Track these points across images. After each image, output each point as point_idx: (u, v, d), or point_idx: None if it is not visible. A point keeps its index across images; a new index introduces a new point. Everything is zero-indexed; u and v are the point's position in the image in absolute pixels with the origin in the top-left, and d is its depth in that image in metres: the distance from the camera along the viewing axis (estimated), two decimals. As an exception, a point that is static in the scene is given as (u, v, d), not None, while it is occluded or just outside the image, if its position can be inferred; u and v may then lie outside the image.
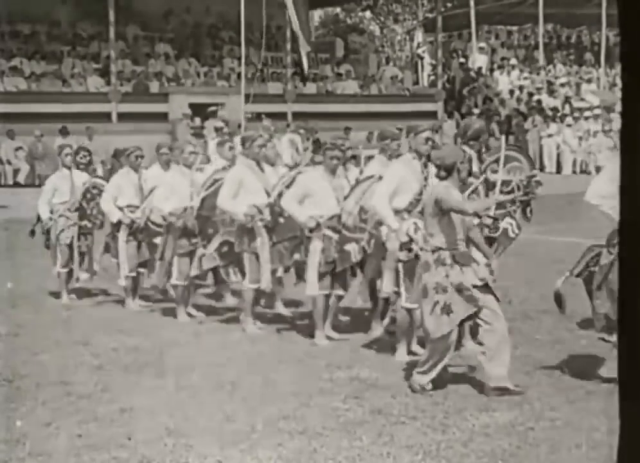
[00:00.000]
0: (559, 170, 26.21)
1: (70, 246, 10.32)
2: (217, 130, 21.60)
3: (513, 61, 30.52)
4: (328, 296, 8.19)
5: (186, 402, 6.35)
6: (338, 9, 41.24)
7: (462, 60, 30.60)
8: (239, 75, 22.72)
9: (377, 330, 8.38)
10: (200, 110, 23.11)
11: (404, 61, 33.82)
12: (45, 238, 10.52)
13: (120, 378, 7.00)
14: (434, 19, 29.28)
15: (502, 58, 30.91)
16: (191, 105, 23.52)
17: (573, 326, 8.19)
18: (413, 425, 5.79)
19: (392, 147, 8.53)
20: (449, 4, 31.78)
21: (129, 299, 9.94)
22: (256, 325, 8.65)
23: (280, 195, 8.47)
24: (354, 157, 10.68)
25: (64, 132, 21.71)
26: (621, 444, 2.27)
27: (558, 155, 26.43)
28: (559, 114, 27.12)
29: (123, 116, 22.88)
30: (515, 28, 33.59)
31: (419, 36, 34.72)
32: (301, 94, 25.57)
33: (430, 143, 7.49)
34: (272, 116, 22.47)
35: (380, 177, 7.81)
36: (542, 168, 24.67)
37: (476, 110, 26.68)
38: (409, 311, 7.40)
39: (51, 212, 10.40)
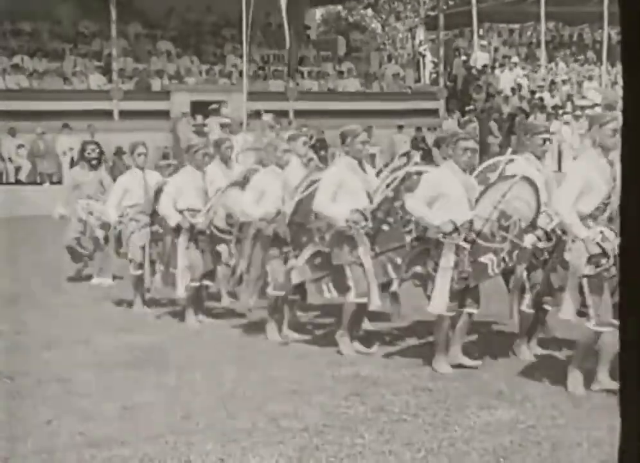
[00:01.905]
0: (560, 167, 26.21)
1: (144, 248, 9.60)
2: (223, 126, 21.65)
3: (515, 59, 30.49)
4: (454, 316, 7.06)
5: (187, 400, 6.36)
6: (340, 7, 41.21)
7: (464, 58, 30.59)
8: (241, 73, 22.72)
9: (526, 353, 7.39)
10: (202, 108, 23.11)
11: (406, 59, 33.78)
12: (116, 245, 9.94)
13: (121, 376, 7.00)
14: (436, 17, 29.24)
15: (504, 56, 30.88)
16: (193, 103, 23.54)
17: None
18: (415, 423, 5.79)
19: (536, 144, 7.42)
20: (451, 2, 31.73)
21: (189, 314, 8.98)
22: (353, 346, 7.65)
23: (387, 198, 7.54)
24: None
25: (66, 127, 21.72)
26: (622, 442, 2.27)
27: (560, 152, 26.43)
28: (561, 112, 27.12)
29: (124, 114, 22.87)
30: (516, 26, 33.56)
31: (421, 34, 34.72)
32: (303, 91, 25.57)
33: (617, 135, 6.14)
34: (273, 113, 22.50)
35: (525, 178, 6.92)
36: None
37: (472, 107, 26.68)
38: (596, 334, 6.31)
39: (121, 216, 9.73)
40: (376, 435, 5.56)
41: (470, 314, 7.10)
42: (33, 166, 21.99)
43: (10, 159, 21.89)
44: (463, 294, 6.97)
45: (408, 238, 7.41)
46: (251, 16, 20.14)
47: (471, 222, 6.86)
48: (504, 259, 6.90)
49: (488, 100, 27.63)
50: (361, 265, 7.46)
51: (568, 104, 28.08)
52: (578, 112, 27.19)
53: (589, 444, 5.31)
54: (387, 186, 7.60)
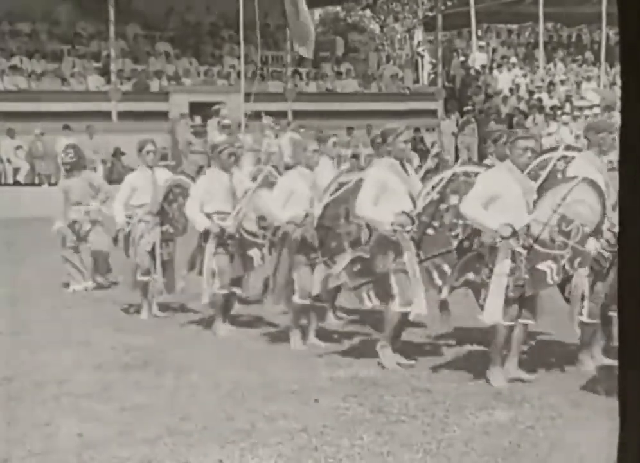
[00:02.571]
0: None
1: (151, 253, 9.19)
2: (224, 127, 21.68)
3: (513, 59, 30.52)
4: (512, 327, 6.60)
5: (185, 401, 6.36)
6: (338, 8, 41.19)
7: (462, 58, 30.60)
8: (239, 74, 22.72)
9: (588, 364, 7.01)
10: (200, 109, 23.11)
11: (404, 59, 33.75)
12: (126, 246, 9.46)
13: (120, 377, 7.00)
14: (434, 18, 29.25)
15: (502, 57, 30.91)
16: (191, 104, 23.54)
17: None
18: (413, 423, 5.79)
19: (607, 142, 7.02)
20: (449, 3, 31.74)
21: (218, 322, 8.51)
22: (395, 358, 7.20)
23: (432, 201, 7.08)
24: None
25: (67, 128, 21.72)
26: (621, 443, 2.27)
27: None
28: (559, 113, 27.14)
29: (123, 115, 22.87)
30: (515, 27, 33.58)
31: (419, 34, 34.69)
32: (301, 92, 25.57)
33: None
34: (272, 114, 22.52)
35: (587, 180, 6.53)
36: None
37: (470, 108, 26.70)
38: None
39: (129, 217, 9.29)
40: (374, 435, 5.56)
41: (526, 325, 6.70)
42: (31, 167, 21.98)
43: (9, 160, 21.88)
44: (519, 303, 6.54)
45: (454, 243, 7.01)
46: (249, 17, 20.13)
47: (528, 226, 6.47)
48: (564, 266, 6.48)
49: (486, 101, 27.65)
50: (404, 271, 7.00)
51: (567, 105, 28.10)
52: (577, 113, 27.22)
53: (588, 445, 5.31)
54: (433, 187, 7.12)
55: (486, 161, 7.38)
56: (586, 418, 5.79)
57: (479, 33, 31.98)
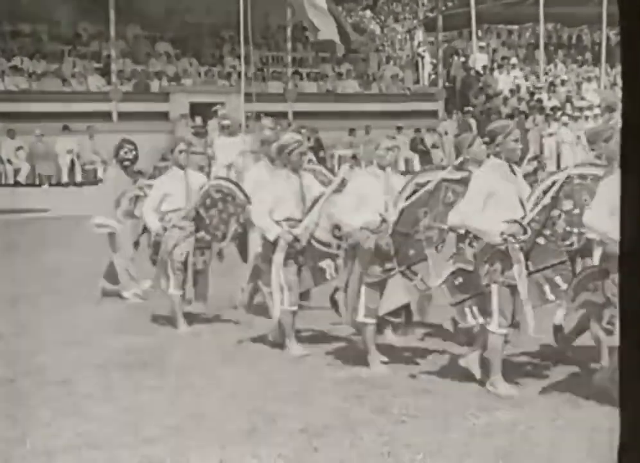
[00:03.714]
0: (560, 168, 26.24)
1: (185, 263, 8.53)
2: (224, 128, 21.66)
3: (514, 60, 30.52)
4: None
5: (186, 401, 6.36)
6: (339, 9, 41.21)
7: (462, 59, 30.61)
8: (239, 74, 22.72)
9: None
10: (200, 110, 23.11)
11: (405, 60, 33.76)
12: (152, 252, 8.75)
13: (121, 377, 7.00)
14: (435, 18, 29.26)
15: (503, 58, 30.91)
16: (192, 104, 23.54)
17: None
18: (414, 424, 5.79)
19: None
20: (449, 4, 31.75)
21: (292, 342, 7.62)
22: (507, 387, 6.45)
23: (544, 207, 6.42)
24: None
25: (66, 129, 21.73)
26: (621, 444, 2.27)
27: (559, 154, 26.44)
28: (560, 113, 27.15)
29: (123, 116, 22.88)
30: (515, 27, 33.58)
31: (419, 35, 34.70)
32: (302, 93, 25.58)
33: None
34: (272, 115, 22.51)
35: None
36: (543, 168, 24.69)
37: (471, 108, 26.71)
38: None
39: (161, 220, 8.59)
40: (375, 436, 5.56)
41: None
42: (32, 167, 21.98)
43: (9, 161, 21.89)
44: None
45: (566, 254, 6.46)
46: (250, 17, 20.12)
47: None
48: None
49: (486, 102, 27.65)
50: (511, 287, 6.33)
51: (567, 105, 28.10)
52: (577, 113, 27.24)
53: (588, 446, 5.30)
54: (544, 192, 6.47)
55: (597, 161, 6.72)
56: (586, 418, 5.79)
57: (480, 34, 31.97)
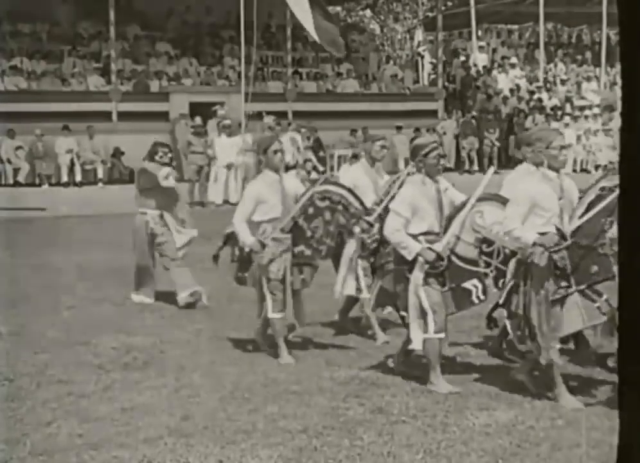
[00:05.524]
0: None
1: (283, 281, 7.39)
2: (224, 127, 21.66)
3: (514, 60, 30.51)
4: None
5: (186, 401, 6.36)
6: (338, 8, 41.17)
7: (462, 58, 30.61)
8: (239, 74, 22.71)
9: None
10: (200, 110, 23.10)
11: (404, 60, 33.75)
12: (238, 268, 7.71)
13: (121, 377, 7.00)
14: (435, 18, 29.23)
15: (503, 57, 30.90)
16: (192, 104, 23.54)
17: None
18: (413, 424, 5.79)
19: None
20: (449, 3, 31.73)
21: (438, 377, 6.55)
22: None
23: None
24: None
25: (66, 129, 21.71)
26: (621, 443, 2.27)
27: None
28: (560, 113, 27.16)
29: (123, 115, 22.85)
30: (515, 27, 33.57)
31: (419, 35, 34.68)
32: (302, 93, 25.57)
33: None
34: (272, 114, 22.51)
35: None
36: None
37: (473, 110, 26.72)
38: None
39: (257, 230, 7.43)
40: (375, 436, 5.56)
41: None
42: (31, 167, 21.97)
43: (9, 161, 21.87)
44: None
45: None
46: (251, 17, 20.14)
47: None
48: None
49: (486, 101, 27.65)
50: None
51: (567, 105, 28.11)
52: (577, 113, 27.25)
53: (588, 445, 5.31)
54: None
55: None
56: (586, 418, 5.79)
57: (479, 34, 31.97)
